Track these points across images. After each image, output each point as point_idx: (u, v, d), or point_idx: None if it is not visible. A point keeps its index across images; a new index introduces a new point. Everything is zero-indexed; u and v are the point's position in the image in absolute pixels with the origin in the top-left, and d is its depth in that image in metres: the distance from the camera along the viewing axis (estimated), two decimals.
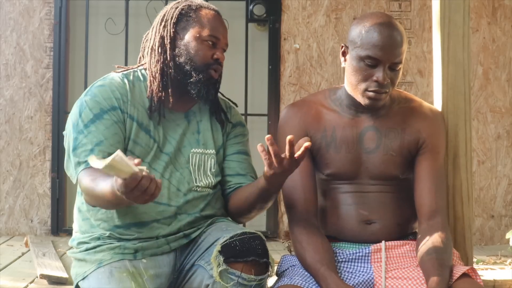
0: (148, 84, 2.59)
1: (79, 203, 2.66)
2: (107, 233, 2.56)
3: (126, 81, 2.60)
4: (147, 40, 2.68)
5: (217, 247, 2.41)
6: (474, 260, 4.13)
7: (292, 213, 2.55)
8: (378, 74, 2.46)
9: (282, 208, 5.22)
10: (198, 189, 2.61)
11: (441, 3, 2.73)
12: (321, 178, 2.61)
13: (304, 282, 2.41)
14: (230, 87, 5.45)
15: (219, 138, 2.69)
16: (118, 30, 5.41)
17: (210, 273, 2.43)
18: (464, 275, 2.38)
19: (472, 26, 5.19)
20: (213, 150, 2.66)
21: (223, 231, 2.49)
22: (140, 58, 2.72)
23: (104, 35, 5.45)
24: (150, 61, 2.61)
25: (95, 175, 2.42)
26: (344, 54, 2.54)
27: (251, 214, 2.61)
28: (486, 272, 4.13)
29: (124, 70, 2.66)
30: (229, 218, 2.67)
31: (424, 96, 5.21)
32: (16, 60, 5.30)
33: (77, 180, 2.51)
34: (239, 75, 5.35)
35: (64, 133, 2.62)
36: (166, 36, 2.59)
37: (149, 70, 2.60)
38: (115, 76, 2.63)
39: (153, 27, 2.65)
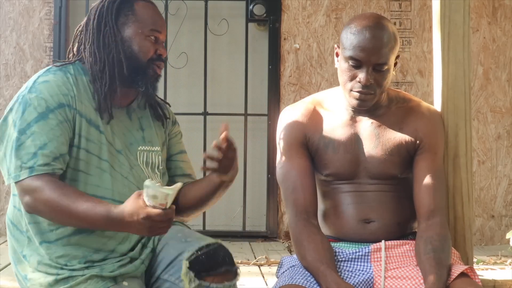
0: (93, 84, 2.47)
1: (21, 214, 2.46)
2: (77, 259, 2.42)
3: (68, 75, 2.46)
4: (81, 35, 2.54)
5: (185, 263, 2.37)
6: (474, 260, 4.13)
7: (292, 213, 2.55)
8: (361, 75, 2.47)
9: (282, 208, 5.22)
10: None
11: (441, 3, 2.73)
12: (320, 178, 2.61)
13: (305, 281, 2.41)
14: (230, 87, 5.47)
15: (162, 135, 2.62)
16: None
17: None
18: (463, 274, 2.39)
19: (472, 26, 5.19)
20: (159, 147, 2.58)
21: (183, 243, 2.45)
22: (70, 51, 2.58)
23: None
24: (92, 59, 2.48)
25: (66, 189, 2.33)
26: (337, 54, 2.56)
27: (205, 208, 2.62)
28: (486, 272, 4.13)
29: (62, 65, 2.50)
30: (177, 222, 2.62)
31: (424, 96, 5.21)
32: (16, 60, 5.29)
33: (15, 183, 2.37)
34: (239, 75, 5.35)
35: None
36: (108, 33, 2.48)
37: (90, 68, 2.48)
38: (56, 70, 2.48)
39: (88, 23, 2.51)
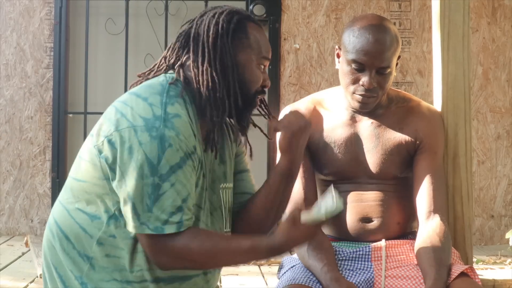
0: (207, 113, 2.16)
1: (99, 232, 2.13)
2: None
3: (188, 106, 2.13)
4: (185, 48, 2.21)
5: None
6: (474, 260, 4.13)
7: None
8: (364, 78, 2.47)
9: None
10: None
11: (441, 3, 2.73)
12: (320, 178, 2.61)
13: (307, 280, 2.41)
14: None
15: (233, 163, 2.34)
16: (118, 30, 5.41)
17: None
18: (463, 274, 2.39)
19: (472, 26, 5.19)
20: (232, 184, 2.31)
21: None
22: (161, 64, 2.24)
23: (104, 35, 5.45)
24: (209, 84, 2.15)
25: (212, 234, 2.11)
26: (338, 56, 2.56)
27: (281, 207, 2.28)
28: (486, 272, 4.14)
29: (173, 83, 2.15)
30: None
31: (424, 96, 5.21)
32: (16, 60, 5.30)
33: (152, 235, 2.06)
34: None
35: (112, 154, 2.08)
36: (225, 55, 2.17)
37: (203, 93, 2.15)
38: (177, 96, 2.13)
39: (197, 38, 2.19)
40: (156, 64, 2.25)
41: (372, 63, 2.45)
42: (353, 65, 2.47)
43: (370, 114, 2.58)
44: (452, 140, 2.71)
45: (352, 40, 2.47)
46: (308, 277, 2.42)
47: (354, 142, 2.57)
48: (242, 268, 4.41)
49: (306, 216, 2.07)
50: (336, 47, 2.57)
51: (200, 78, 2.15)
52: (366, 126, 2.58)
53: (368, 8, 5.29)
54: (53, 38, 5.28)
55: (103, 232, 2.13)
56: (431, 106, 2.67)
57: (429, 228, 2.48)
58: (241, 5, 5.31)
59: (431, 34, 4.49)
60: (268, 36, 5.32)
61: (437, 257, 2.40)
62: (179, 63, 2.19)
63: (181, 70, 2.18)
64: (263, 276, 4.18)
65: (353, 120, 2.58)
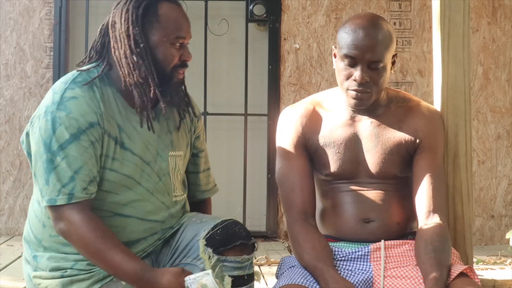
0: (136, 92, 2.41)
1: (42, 216, 2.48)
2: (85, 263, 2.44)
3: (95, 88, 2.41)
4: (106, 37, 2.45)
5: (201, 241, 2.39)
6: (474, 260, 4.13)
7: (290, 214, 2.56)
8: (356, 73, 2.48)
9: (282, 208, 5.22)
10: (177, 199, 2.56)
11: (441, 3, 2.73)
12: (319, 178, 2.61)
13: (304, 281, 2.41)
14: (230, 87, 5.47)
15: (186, 136, 2.60)
16: None
17: (201, 267, 2.40)
18: (462, 274, 2.39)
19: (472, 26, 5.19)
20: (182, 152, 2.57)
21: (199, 224, 2.47)
22: (93, 49, 2.49)
23: None
24: (130, 66, 2.40)
25: (103, 232, 2.34)
26: (335, 55, 2.57)
27: None
28: (486, 272, 4.13)
29: (88, 71, 2.45)
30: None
31: (424, 96, 5.21)
32: (16, 60, 5.30)
33: (48, 206, 2.37)
34: (239, 75, 5.35)
35: (27, 147, 2.44)
36: (137, 39, 2.40)
37: (127, 75, 2.40)
38: (82, 81, 2.41)
39: (114, 26, 2.43)
40: (87, 54, 2.52)
41: (363, 57, 2.47)
42: (346, 60, 2.49)
43: (370, 113, 2.58)
44: (452, 140, 2.71)
45: (344, 36, 2.49)
46: (306, 278, 2.43)
47: (354, 142, 2.57)
48: None
49: (189, 280, 2.25)
50: (333, 47, 2.59)
51: (122, 62, 2.41)
52: (365, 125, 2.58)
53: (368, 8, 5.29)
54: (53, 38, 5.28)
55: (44, 214, 2.45)
56: (431, 106, 2.67)
57: (428, 228, 2.48)
58: (241, 5, 5.31)
59: (431, 34, 4.48)
60: (268, 36, 5.32)
61: (437, 257, 2.40)
62: (105, 50, 2.46)
63: (107, 56, 2.45)
64: (263, 276, 4.17)
65: (352, 120, 2.59)
